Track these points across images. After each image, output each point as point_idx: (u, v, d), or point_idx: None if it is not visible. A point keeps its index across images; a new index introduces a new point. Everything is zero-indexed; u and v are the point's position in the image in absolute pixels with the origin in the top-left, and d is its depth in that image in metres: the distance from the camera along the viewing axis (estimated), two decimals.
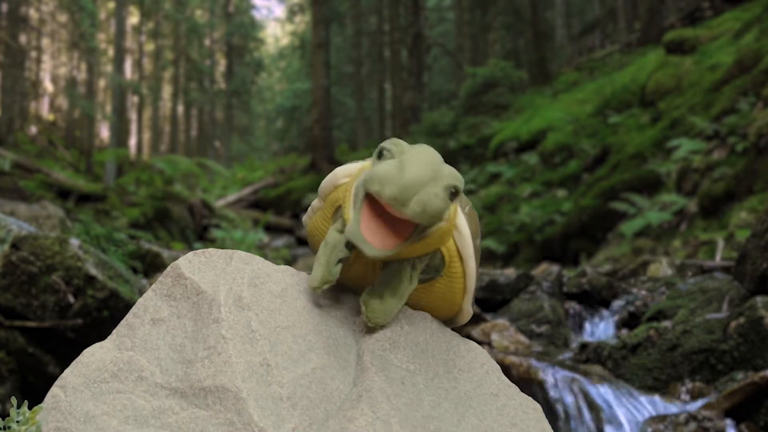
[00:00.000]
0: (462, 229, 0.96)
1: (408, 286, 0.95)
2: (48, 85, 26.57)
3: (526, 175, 10.47)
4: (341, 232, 0.95)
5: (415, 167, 0.84)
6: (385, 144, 0.90)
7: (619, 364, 2.48)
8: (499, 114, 14.69)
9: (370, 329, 0.96)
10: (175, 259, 1.22)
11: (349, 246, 0.94)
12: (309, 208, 1.06)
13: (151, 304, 0.97)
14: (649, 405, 2.20)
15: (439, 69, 25.29)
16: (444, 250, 0.96)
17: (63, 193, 9.77)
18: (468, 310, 1.04)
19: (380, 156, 0.89)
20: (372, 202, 0.88)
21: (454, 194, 0.87)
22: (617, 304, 3.32)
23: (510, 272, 4.40)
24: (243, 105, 28.18)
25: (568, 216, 8.11)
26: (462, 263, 0.98)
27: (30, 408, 0.85)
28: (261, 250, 9.62)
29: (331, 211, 0.99)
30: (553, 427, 0.97)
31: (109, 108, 20.14)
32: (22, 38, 19.76)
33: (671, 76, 9.54)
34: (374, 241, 0.86)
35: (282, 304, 0.97)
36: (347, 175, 0.97)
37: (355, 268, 0.97)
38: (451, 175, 0.87)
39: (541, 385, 2.28)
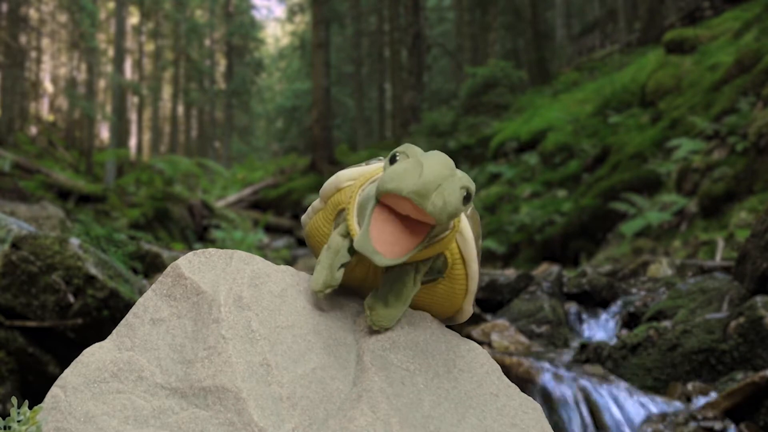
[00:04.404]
0: (465, 233, 0.97)
1: (412, 289, 0.95)
2: (48, 86, 26.58)
3: (526, 175, 10.46)
4: (344, 236, 0.95)
5: (432, 165, 0.85)
6: (399, 149, 0.90)
7: (619, 364, 2.48)
8: (499, 114, 14.68)
9: (372, 329, 0.96)
10: (175, 259, 1.22)
11: (352, 251, 0.94)
12: (309, 208, 1.06)
13: (151, 304, 0.97)
14: (649, 405, 2.20)
15: (439, 69, 25.30)
16: (447, 253, 0.96)
17: (63, 194, 9.76)
18: (468, 309, 1.05)
19: (393, 161, 0.89)
20: (382, 210, 0.87)
21: (467, 198, 0.87)
22: (617, 304, 3.32)
23: (510, 272, 4.40)
24: (243, 105, 28.15)
25: (568, 216, 8.10)
26: (465, 266, 0.98)
27: (30, 408, 0.85)
28: (261, 250, 9.62)
29: (333, 214, 1.00)
30: (553, 428, 0.97)
31: (109, 108, 20.13)
32: (22, 38, 19.75)
33: (671, 76, 9.54)
34: (385, 251, 0.86)
35: (282, 304, 0.97)
36: (350, 178, 0.98)
37: (358, 270, 0.97)
38: (466, 177, 0.88)
39: (541, 385, 2.28)
